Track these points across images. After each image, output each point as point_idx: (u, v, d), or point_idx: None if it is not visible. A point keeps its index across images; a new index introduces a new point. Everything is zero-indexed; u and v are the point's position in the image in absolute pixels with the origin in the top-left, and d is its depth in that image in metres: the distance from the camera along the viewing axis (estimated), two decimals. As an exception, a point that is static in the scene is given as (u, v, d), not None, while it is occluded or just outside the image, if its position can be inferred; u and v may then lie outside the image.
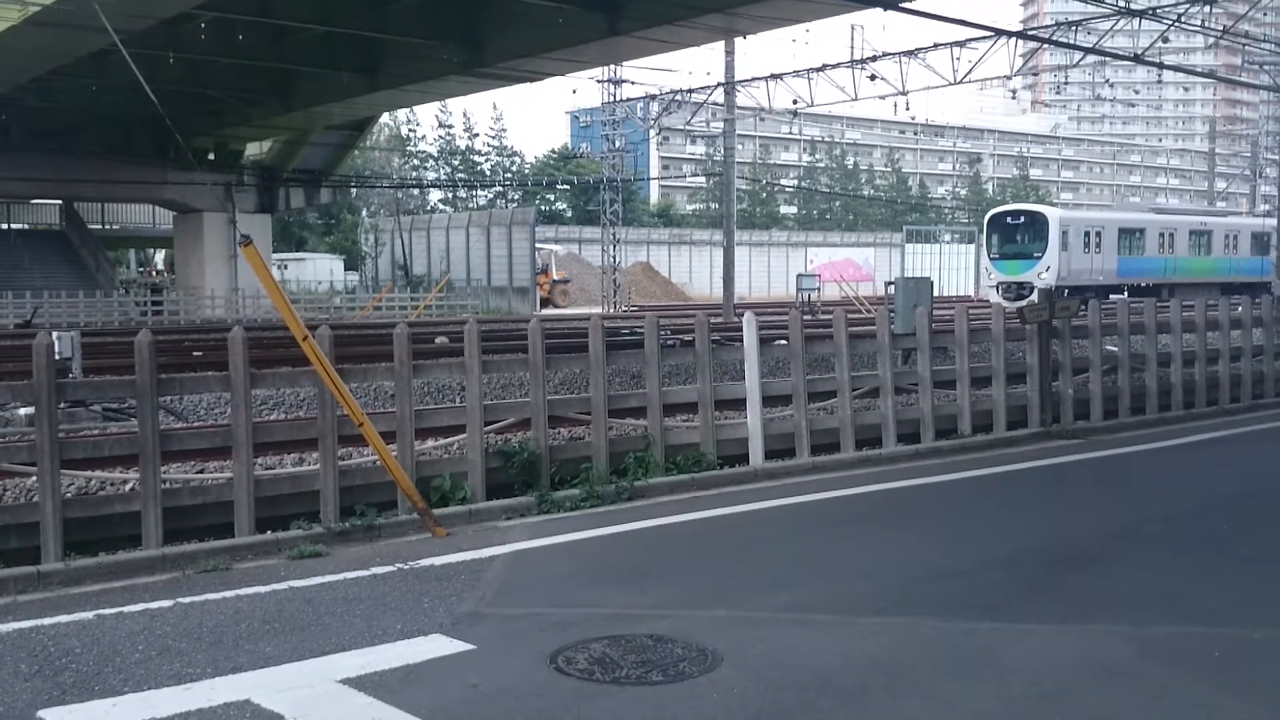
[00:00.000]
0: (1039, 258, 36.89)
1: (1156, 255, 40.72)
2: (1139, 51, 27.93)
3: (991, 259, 39.13)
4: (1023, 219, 38.49)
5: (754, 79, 36.20)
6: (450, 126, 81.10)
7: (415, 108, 69.17)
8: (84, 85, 30.94)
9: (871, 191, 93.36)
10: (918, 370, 12.29)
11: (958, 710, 4.83)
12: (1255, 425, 14.02)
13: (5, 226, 48.95)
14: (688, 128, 53.00)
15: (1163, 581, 6.91)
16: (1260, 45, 36.59)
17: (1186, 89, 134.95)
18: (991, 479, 10.54)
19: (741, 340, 11.23)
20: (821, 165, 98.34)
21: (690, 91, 39.09)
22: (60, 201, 48.42)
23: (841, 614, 6.20)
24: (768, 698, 4.96)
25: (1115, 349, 14.27)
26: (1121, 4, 25.80)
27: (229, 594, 6.66)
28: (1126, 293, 37.66)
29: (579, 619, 6.08)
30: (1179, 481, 10.79)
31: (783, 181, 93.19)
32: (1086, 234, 38.00)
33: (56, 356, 9.53)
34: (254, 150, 44.65)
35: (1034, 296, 33.84)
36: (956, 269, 54.81)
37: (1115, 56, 29.72)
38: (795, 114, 39.08)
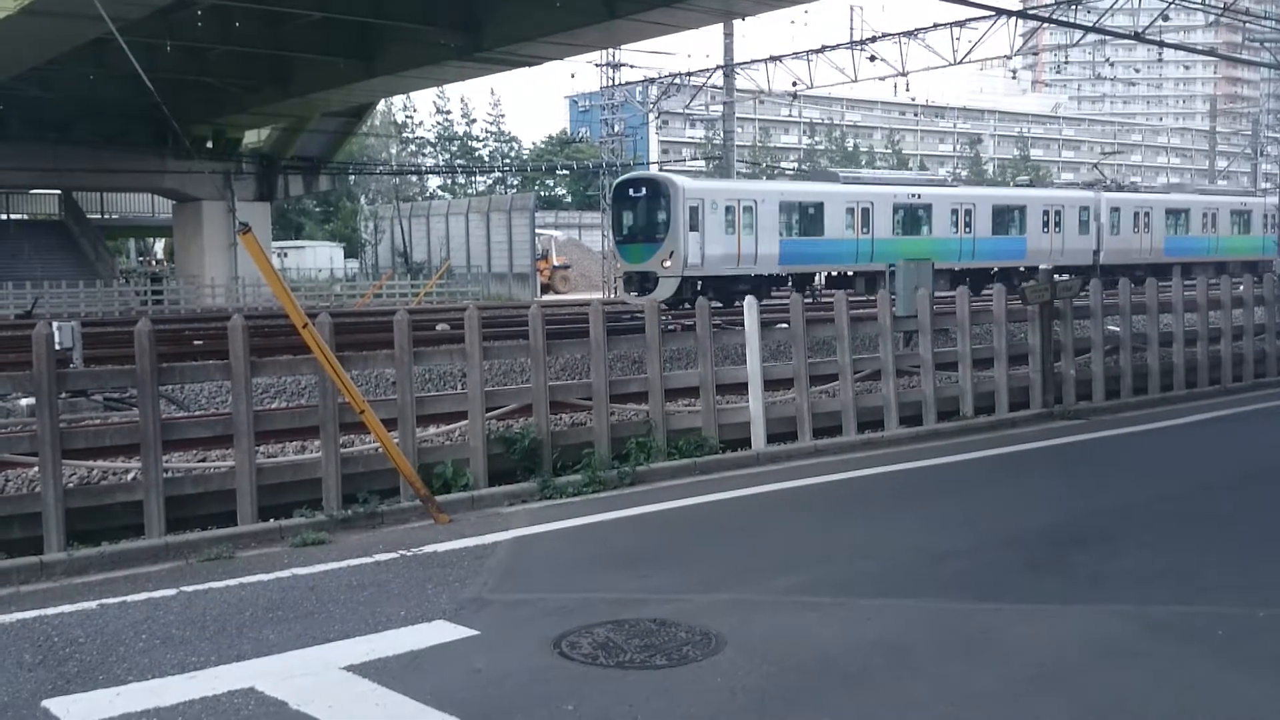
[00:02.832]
0: (662, 240, 28.20)
1: (845, 236, 31.53)
2: (1139, 30, 27.85)
3: (617, 242, 30.38)
4: (644, 190, 29.09)
5: (753, 61, 36.16)
6: (448, 113, 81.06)
7: (412, 94, 69.16)
8: (81, 75, 30.87)
9: (871, 173, 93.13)
10: (919, 352, 12.27)
11: (960, 691, 4.83)
12: (1257, 404, 14.00)
13: (4, 217, 48.82)
14: (687, 111, 52.91)
15: (1166, 561, 6.92)
16: (1261, 22, 36.39)
17: (1187, 67, 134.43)
18: (994, 460, 10.54)
19: (742, 324, 11.22)
20: (821, 148, 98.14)
21: (689, 75, 38.99)
22: (59, 192, 48.33)
23: (844, 596, 6.20)
24: (771, 680, 4.96)
25: (1117, 329, 14.25)
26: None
27: (232, 582, 6.67)
28: (791, 284, 29.81)
29: (582, 604, 6.09)
30: (1181, 461, 10.79)
31: (782, 164, 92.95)
32: (730, 210, 28.98)
33: (57, 347, 9.55)
34: (252, 138, 44.53)
35: (659, 291, 27.22)
36: None
37: (1115, 35, 29.70)
38: (795, 96, 39.05)
